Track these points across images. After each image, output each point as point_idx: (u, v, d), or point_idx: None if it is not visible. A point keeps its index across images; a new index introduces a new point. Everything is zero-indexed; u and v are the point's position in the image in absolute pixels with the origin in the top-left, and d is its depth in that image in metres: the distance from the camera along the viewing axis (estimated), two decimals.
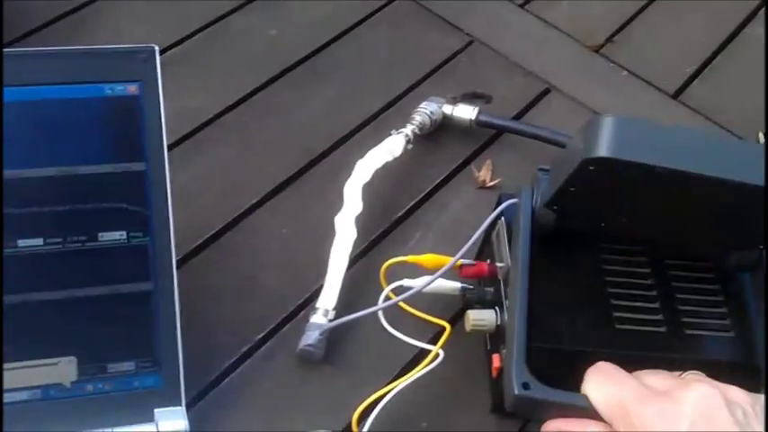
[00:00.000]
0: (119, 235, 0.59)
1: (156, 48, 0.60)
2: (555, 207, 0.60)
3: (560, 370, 0.56)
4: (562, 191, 0.57)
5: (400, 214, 0.79)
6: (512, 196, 0.65)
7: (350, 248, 0.70)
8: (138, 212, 0.60)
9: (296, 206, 0.78)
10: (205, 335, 0.66)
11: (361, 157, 0.77)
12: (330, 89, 0.88)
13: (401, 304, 0.67)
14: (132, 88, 0.60)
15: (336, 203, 0.74)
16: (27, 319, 0.57)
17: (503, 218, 0.65)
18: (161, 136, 0.60)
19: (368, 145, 0.78)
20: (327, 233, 0.73)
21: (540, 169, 0.63)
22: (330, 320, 0.66)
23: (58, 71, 0.59)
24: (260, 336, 0.69)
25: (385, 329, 0.67)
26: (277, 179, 0.80)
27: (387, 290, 0.67)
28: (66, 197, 0.59)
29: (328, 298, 0.68)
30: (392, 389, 0.62)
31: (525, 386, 0.56)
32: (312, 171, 0.82)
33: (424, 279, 0.66)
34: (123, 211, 0.59)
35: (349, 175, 0.76)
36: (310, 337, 0.65)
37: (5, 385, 0.56)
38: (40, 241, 0.58)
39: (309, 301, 0.71)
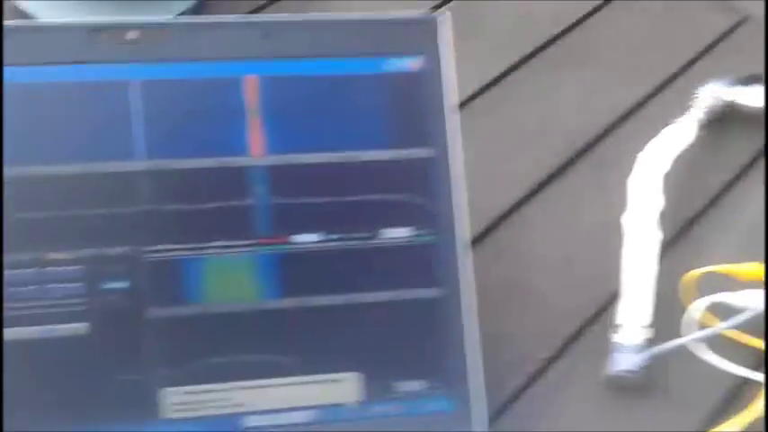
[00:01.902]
0: (404, 232, 0.51)
1: (445, 15, 0.51)
2: None
3: None
4: None
5: (691, 215, 0.67)
6: None
7: (656, 252, 0.59)
8: (424, 206, 0.51)
9: (566, 204, 0.68)
10: (483, 349, 0.57)
11: (635, 148, 0.66)
12: (573, 78, 0.77)
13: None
14: (415, 63, 0.51)
15: (614, 201, 0.64)
16: (305, 325, 0.49)
17: None
18: (450, 118, 0.51)
19: (638, 135, 0.68)
20: (609, 235, 0.63)
21: None
22: (649, 340, 0.56)
23: (331, 43, 0.51)
24: (547, 355, 0.59)
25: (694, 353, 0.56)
26: (536, 175, 0.70)
27: (698, 306, 0.55)
28: (345, 187, 0.51)
29: (636, 313, 0.57)
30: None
31: None
32: (578, 164, 0.71)
33: (751, 295, 0.54)
34: (408, 205, 0.51)
35: (629, 170, 0.65)
36: (626, 361, 0.55)
37: (282, 404, 0.49)
38: (316, 237, 0.50)
39: (598, 316, 0.60)
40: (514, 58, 0.79)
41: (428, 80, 0.51)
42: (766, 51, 0.78)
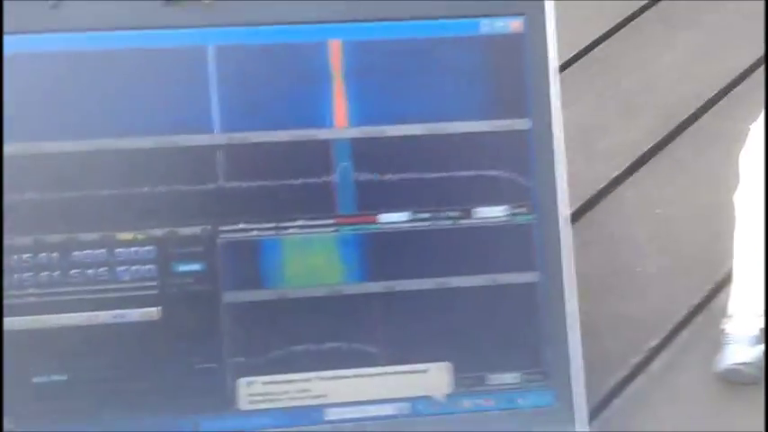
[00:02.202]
0: (499, 211, 0.46)
1: None
2: None
3: None
4: None
5: None
6: None
7: None
8: (521, 182, 0.46)
9: (666, 180, 0.64)
10: (583, 338, 0.52)
11: (748, 118, 0.60)
12: (683, 39, 0.72)
13: None
14: (515, 24, 0.46)
15: (725, 177, 0.58)
16: (391, 311, 0.45)
17: None
18: (551, 86, 0.46)
19: (750, 104, 0.62)
20: (719, 215, 0.57)
21: None
22: (765, 330, 0.50)
23: (424, 3, 0.46)
24: (652, 344, 0.54)
25: None
26: (637, 148, 0.65)
27: None
28: (435, 162, 0.46)
29: (750, 301, 0.52)
30: None
31: None
32: (679, 139, 0.66)
33: None
34: (504, 181, 0.47)
35: (740, 142, 0.60)
36: (740, 353, 0.50)
37: (366, 395, 0.45)
38: (405, 216, 0.46)
39: (708, 303, 0.56)
40: (613, 21, 0.74)
41: (529, 43, 0.47)
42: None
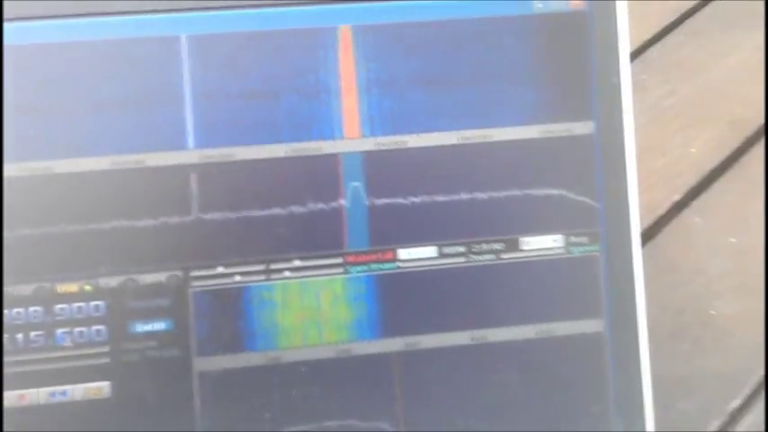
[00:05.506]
0: (553, 241, 0.36)
1: None
2: None
3: None
4: None
5: None
6: None
7: None
8: (582, 204, 0.36)
9: (739, 203, 0.54)
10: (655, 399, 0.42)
11: None
12: (750, 38, 0.63)
13: None
14: (577, 1, 0.36)
15: None
16: (414, 376, 0.36)
17: None
18: (621, 78, 0.36)
19: None
20: None
21: None
22: None
23: None
24: (735, 404, 0.45)
25: None
26: (701, 165, 0.54)
27: None
28: (469, 179, 0.37)
29: None
30: None
31: None
32: (750, 151, 0.56)
33: None
34: (558, 202, 0.37)
35: None
36: None
37: None
38: (431, 251, 0.35)
39: None
40: (665, 21, 0.65)
41: (594, 24, 0.37)
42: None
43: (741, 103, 0.60)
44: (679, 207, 0.54)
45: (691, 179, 0.55)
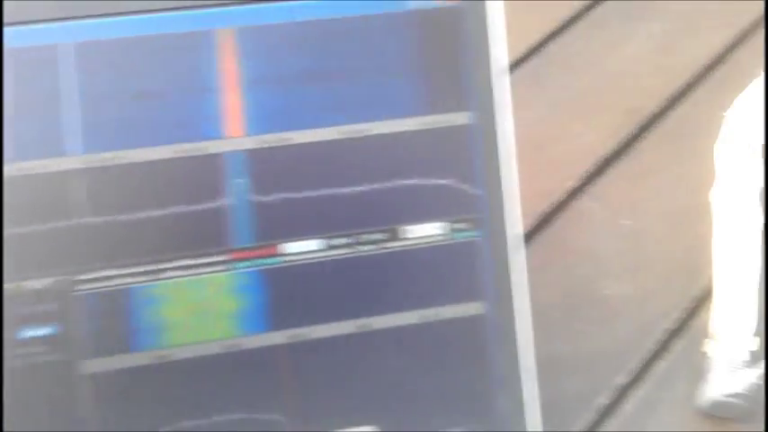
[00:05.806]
0: (434, 228, 0.37)
1: None
2: None
3: None
4: None
5: None
6: None
7: (759, 238, 0.45)
8: (461, 192, 0.38)
9: (632, 186, 0.56)
10: (541, 378, 0.43)
11: (720, 107, 0.54)
12: (645, 29, 0.66)
13: None
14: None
15: (699, 175, 0.51)
16: (301, 368, 0.37)
17: None
18: (497, 70, 0.37)
19: (723, 92, 0.55)
20: (694, 219, 0.50)
21: None
22: (755, 354, 0.42)
23: None
24: (623, 381, 0.46)
25: None
26: (598, 152, 0.56)
27: None
28: (352, 172, 0.37)
29: (736, 319, 0.44)
30: None
31: None
32: (645, 138, 0.59)
33: None
34: (440, 191, 0.38)
35: (714, 134, 0.52)
36: (727, 383, 0.43)
37: None
38: (315, 244, 0.36)
39: (686, 325, 0.49)
40: (565, 15, 0.67)
41: (468, 17, 0.38)
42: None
43: (637, 91, 0.62)
44: (575, 193, 0.56)
45: (587, 166, 0.57)
